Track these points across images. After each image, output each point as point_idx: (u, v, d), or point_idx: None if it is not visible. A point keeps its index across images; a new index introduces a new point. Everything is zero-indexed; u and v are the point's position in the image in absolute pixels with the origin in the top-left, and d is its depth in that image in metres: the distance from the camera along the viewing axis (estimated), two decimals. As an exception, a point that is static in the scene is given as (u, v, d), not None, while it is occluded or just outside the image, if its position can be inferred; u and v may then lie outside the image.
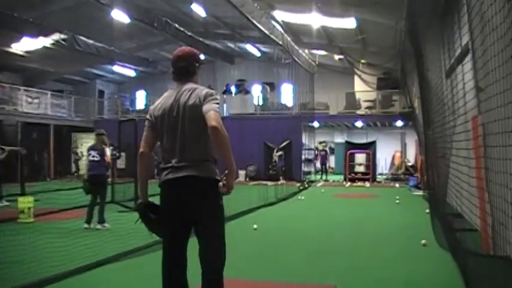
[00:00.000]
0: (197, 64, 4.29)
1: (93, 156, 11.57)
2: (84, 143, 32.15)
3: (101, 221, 11.16)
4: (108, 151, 12.16)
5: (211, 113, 3.87)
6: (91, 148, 11.87)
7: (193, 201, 3.97)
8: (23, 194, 15.37)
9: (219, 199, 4.03)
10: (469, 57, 7.89)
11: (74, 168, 31.01)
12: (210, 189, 3.98)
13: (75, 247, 7.88)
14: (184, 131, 4.02)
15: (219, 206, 4.04)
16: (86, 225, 10.91)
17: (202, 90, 4.06)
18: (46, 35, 22.60)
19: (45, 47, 24.36)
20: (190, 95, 4.05)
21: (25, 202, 12.31)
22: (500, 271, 5.18)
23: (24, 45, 24.86)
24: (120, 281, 6.77)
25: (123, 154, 19.19)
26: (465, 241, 7.62)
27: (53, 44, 23.48)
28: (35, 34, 22.13)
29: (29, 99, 29.80)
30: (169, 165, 4.06)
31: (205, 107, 3.93)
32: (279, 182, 23.33)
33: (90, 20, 23.81)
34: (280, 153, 27.75)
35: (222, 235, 4.10)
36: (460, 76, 7.73)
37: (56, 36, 23.05)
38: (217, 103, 3.99)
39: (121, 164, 21.33)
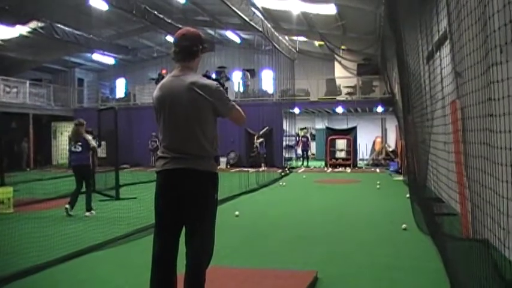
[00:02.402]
0: (201, 47, 4.16)
1: (75, 148, 11.67)
2: (64, 132, 32.03)
3: (89, 208, 11.35)
4: (90, 138, 12.24)
5: (233, 113, 4.09)
6: (71, 139, 11.95)
7: (187, 193, 3.95)
8: (2, 184, 15.21)
9: (213, 193, 4.03)
10: (447, 41, 7.94)
11: (68, 158, 30.61)
12: (205, 183, 3.98)
13: (56, 237, 7.83)
14: (186, 123, 3.98)
15: (212, 199, 4.04)
16: (67, 206, 11.08)
17: (204, 85, 3.98)
18: (23, 23, 22.24)
19: (22, 36, 24.02)
20: (193, 86, 3.96)
21: (4, 193, 12.18)
22: (478, 254, 5.24)
23: (1, 33, 24.49)
24: (101, 270, 6.74)
25: (103, 143, 19.06)
26: (445, 225, 7.71)
27: (30, 32, 23.14)
28: (11, 22, 21.79)
29: (7, 89, 29.42)
30: (168, 155, 4.01)
31: (222, 110, 4.04)
32: (261, 169, 23.37)
33: (68, 8, 23.53)
34: (261, 140, 27.73)
35: (212, 229, 4.10)
36: (438, 61, 7.77)
37: (34, 24, 22.70)
38: (226, 96, 4.06)
39: (101, 152, 21.18)
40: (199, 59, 4.18)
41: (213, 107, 3.98)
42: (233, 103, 4.07)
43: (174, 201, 3.99)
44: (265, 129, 27.90)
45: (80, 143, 11.65)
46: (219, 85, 4.03)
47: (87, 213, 11.25)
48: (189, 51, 4.10)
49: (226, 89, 4.54)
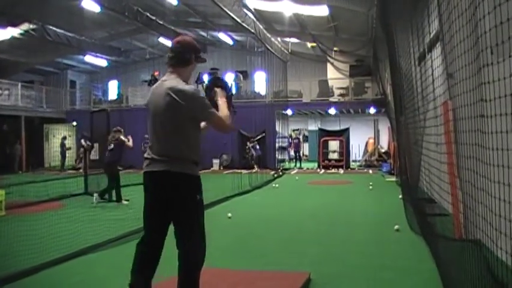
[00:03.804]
0: (194, 56, 4.28)
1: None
2: (57, 134, 31.92)
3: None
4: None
5: (213, 120, 4.17)
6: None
7: (166, 196, 4.05)
8: (-6, 187, 15.17)
9: (194, 195, 4.08)
10: (439, 42, 7.96)
11: (61, 161, 30.44)
12: (182, 185, 4.04)
13: (49, 239, 7.82)
14: (162, 127, 4.10)
15: (193, 201, 4.09)
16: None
17: (179, 90, 4.05)
18: (15, 25, 22.17)
19: (14, 37, 23.91)
20: (170, 91, 4.05)
21: (-3, 195, 12.15)
22: (470, 254, 5.26)
23: (-8, 35, 24.41)
24: (94, 272, 6.72)
25: (96, 145, 19.02)
26: (437, 226, 7.73)
27: (22, 34, 23.04)
28: (3, 24, 21.71)
29: (-1, 91, 29.37)
30: (149, 156, 4.15)
31: (200, 116, 4.13)
32: (253, 170, 23.38)
33: (60, 10, 23.44)
34: (252, 144, 27.75)
35: (198, 231, 4.15)
36: (430, 62, 7.79)
37: (25, 26, 22.61)
38: (205, 102, 4.13)
39: (94, 155, 21.14)
40: (192, 67, 4.30)
41: (189, 112, 4.05)
42: (214, 111, 4.12)
43: (156, 202, 4.13)
44: (260, 135, 27.95)
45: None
46: (196, 90, 4.10)
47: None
48: (181, 57, 4.22)
49: (231, 95, 4.57)
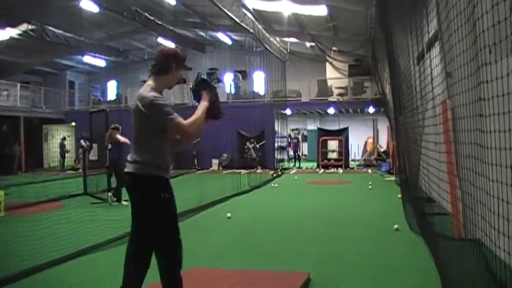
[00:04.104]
0: (174, 65, 4.37)
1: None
2: (56, 135, 31.89)
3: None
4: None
5: (172, 126, 4.15)
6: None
7: (134, 195, 4.29)
8: (-7, 188, 15.15)
9: (157, 193, 4.17)
10: (438, 42, 7.97)
11: (60, 161, 30.46)
12: (145, 185, 4.20)
13: (48, 240, 7.82)
14: (133, 132, 4.33)
15: (158, 199, 4.18)
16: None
17: (142, 96, 4.19)
18: (13, 25, 22.13)
19: (13, 38, 23.87)
20: (137, 98, 4.24)
21: (-4, 196, 12.14)
22: (470, 254, 5.26)
23: (-9, 36, 24.36)
24: (94, 272, 6.73)
25: (94, 145, 19.03)
26: (436, 225, 7.73)
27: (21, 34, 23.00)
28: (1, 25, 21.67)
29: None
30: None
31: (159, 122, 4.15)
32: (257, 171, 23.40)
33: (59, 10, 23.40)
34: (253, 145, 27.76)
35: (166, 231, 4.26)
36: (428, 61, 7.79)
37: (24, 26, 22.56)
38: (164, 109, 4.13)
39: (93, 155, 21.15)
40: (172, 75, 4.41)
41: (149, 119, 4.15)
42: (173, 117, 4.12)
43: (131, 203, 4.35)
44: (261, 142, 28.03)
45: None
46: (156, 97, 4.13)
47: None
48: (159, 66, 4.36)
49: (216, 93, 4.56)
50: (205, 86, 4.50)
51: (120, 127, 13.85)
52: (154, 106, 4.11)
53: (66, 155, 30.23)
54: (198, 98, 4.48)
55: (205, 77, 4.63)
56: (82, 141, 21.20)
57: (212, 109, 4.43)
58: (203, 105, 4.36)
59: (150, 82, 4.33)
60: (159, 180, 4.22)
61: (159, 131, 4.19)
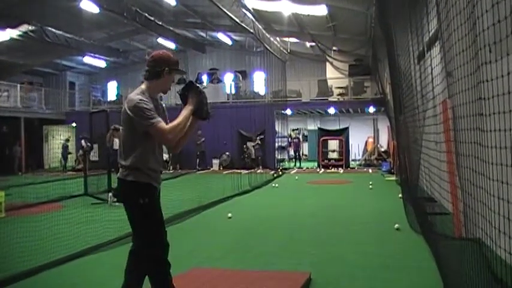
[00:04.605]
0: (167, 69, 4.39)
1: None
2: (56, 135, 31.88)
3: None
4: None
5: (151, 132, 4.18)
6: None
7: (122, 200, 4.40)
8: (-6, 188, 15.15)
9: (137, 198, 4.24)
10: (438, 41, 7.96)
11: (62, 162, 30.42)
12: (126, 190, 4.30)
13: (48, 241, 7.81)
14: (121, 132, 4.45)
15: (137, 204, 4.25)
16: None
17: (129, 99, 4.27)
18: (14, 26, 22.16)
19: (13, 39, 23.89)
20: (125, 101, 4.34)
21: (-4, 197, 12.14)
22: (470, 253, 5.26)
23: (-9, 37, 24.37)
24: (94, 273, 6.73)
25: (95, 146, 19.03)
26: (437, 224, 7.73)
27: (21, 35, 23.03)
28: (2, 26, 21.70)
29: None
30: None
31: (140, 126, 4.18)
32: (258, 171, 23.40)
33: (59, 11, 23.41)
34: (255, 144, 27.76)
35: (143, 235, 4.34)
36: (429, 61, 7.79)
37: (24, 27, 22.60)
38: (145, 114, 4.15)
39: (93, 156, 21.14)
40: (165, 80, 4.43)
41: (132, 121, 4.21)
42: (154, 122, 4.15)
43: None
44: (259, 138, 28.07)
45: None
46: (141, 101, 4.17)
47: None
48: (151, 70, 4.41)
49: (204, 95, 4.58)
50: (192, 89, 4.48)
51: (120, 128, 13.71)
52: (137, 109, 4.14)
53: (69, 156, 30.27)
54: (185, 102, 4.48)
55: (192, 80, 4.63)
56: (83, 142, 21.23)
57: (199, 111, 4.45)
58: (187, 109, 4.36)
59: (142, 86, 4.39)
60: (139, 186, 4.26)
61: (143, 134, 4.21)
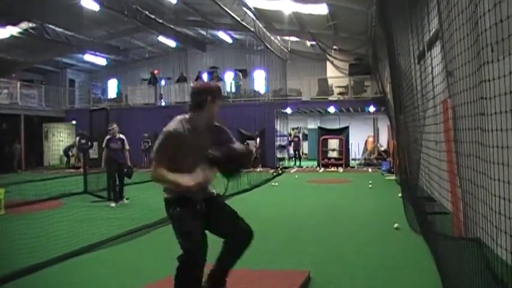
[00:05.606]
0: (210, 97, 4.46)
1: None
2: (56, 133, 31.89)
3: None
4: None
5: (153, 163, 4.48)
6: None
7: None
8: (-6, 186, 15.14)
9: (168, 210, 4.58)
10: (438, 40, 7.96)
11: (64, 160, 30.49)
12: (166, 207, 4.60)
13: (48, 238, 7.81)
14: None
15: (170, 216, 4.60)
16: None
17: (168, 125, 4.43)
18: (14, 24, 22.11)
19: (13, 36, 23.85)
20: None
21: (-4, 194, 12.14)
22: (470, 252, 5.25)
23: (-9, 34, 24.33)
24: (93, 271, 6.71)
25: (95, 144, 19.00)
26: (437, 224, 7.72)
27: (21, 33, 22.98)
28: (2, 23, 21.66)
29: (-2, 90, 29.36)
30: None
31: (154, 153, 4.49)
32: (257, 169, 23.38)
33: (59, 8, 23.40)
34: (256, 142, 27.76)
35: (180, 236, 4.59)
36: (429, 60, 7.78)
37: (24, 25, 22.55)
38: (159, 143, 4.35)
39: (93, 153, 21.14)
40: (209, 108, 4.50)
41: None
42: (156, 159, 4.41)
43: None
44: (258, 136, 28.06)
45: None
46: (170, 131, 4.34)
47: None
48: (194, 101, 4.51)
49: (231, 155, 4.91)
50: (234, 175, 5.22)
51: (115, 127, 13.72)
52: (160, 136, 4.34)
53: (70, 153, 30.35)
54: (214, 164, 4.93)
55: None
56: (77, 139, 21.21)
57: (225, 168, 5.14)
58: (190, 180, 4.50)
59: (187, 115, 4.49)
60: (169, 201, 4.57)
61: (170, 160, 4.38)
